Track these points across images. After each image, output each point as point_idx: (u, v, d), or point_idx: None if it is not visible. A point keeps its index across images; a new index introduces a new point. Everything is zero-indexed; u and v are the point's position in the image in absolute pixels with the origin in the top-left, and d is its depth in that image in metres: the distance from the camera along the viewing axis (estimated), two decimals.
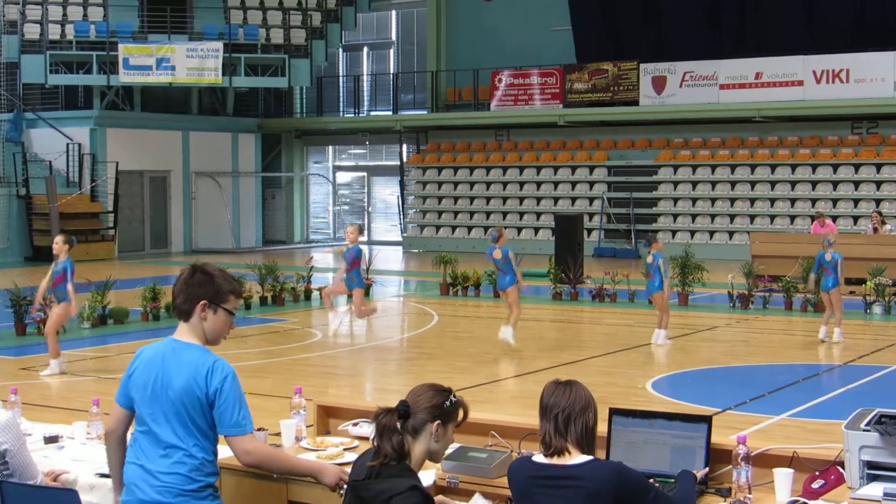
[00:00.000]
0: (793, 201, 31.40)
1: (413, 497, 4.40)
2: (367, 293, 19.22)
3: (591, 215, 33.07)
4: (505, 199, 35.63)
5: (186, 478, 4.68)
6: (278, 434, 6.11)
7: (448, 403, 4.64)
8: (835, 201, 30.62)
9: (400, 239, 37.65)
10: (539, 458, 4.53)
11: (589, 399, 4.55)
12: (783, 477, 4.96)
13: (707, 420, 5.34)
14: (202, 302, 4.80)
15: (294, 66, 35.80)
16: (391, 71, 40.47)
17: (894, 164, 30.44)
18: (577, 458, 4.43)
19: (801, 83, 30.96)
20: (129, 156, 33.95)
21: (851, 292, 20.75)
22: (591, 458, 4.44)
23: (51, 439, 6.40)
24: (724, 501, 4.98)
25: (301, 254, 32.95)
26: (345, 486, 4.85)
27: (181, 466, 4.68)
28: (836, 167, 31.21)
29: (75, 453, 6.26)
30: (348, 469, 4.82)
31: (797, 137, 32.39)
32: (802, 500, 4.82)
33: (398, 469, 4.49)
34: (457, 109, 37.74)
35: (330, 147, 41.83)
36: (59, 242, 13.74)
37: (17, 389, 6.52)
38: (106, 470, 5.90)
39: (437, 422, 4.60)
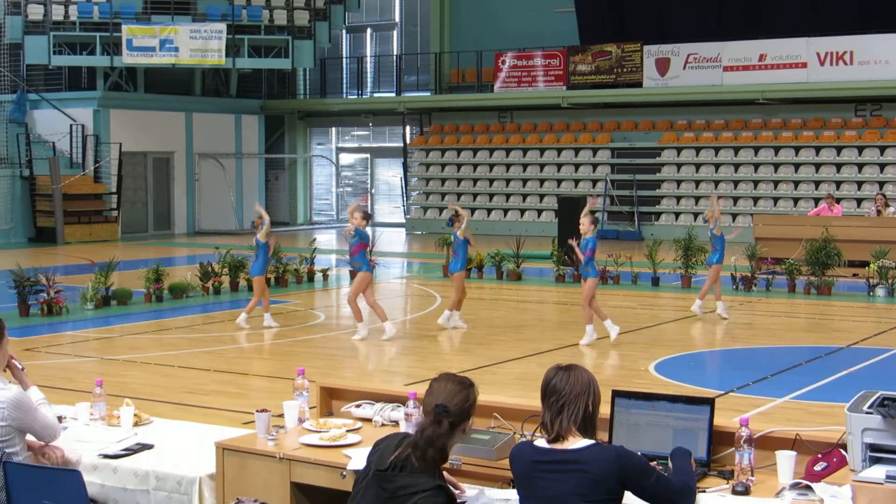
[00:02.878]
0: (796, 184, 31.36)
1: (438, 497, 4.39)
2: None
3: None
4: (508, 181, 35.60)
5: None
6: (281, 415, 6.12)
7: (474, 397, 4.64)
8: (838, 184, 30.57)
9: (403, 221, 37.64)
10: (541, 442, 4.54)
11: (588, 383, 4.55)
12: (786, 459, 4.97)
13: (710, 402, 5.35)
14: None
15: (297, 47, 35.75)
16: (394, 52, 40.40)
17: None
18: (577, 442, 4.44)
19: (804, 65, 30.90)
20: (132, 137, 33.95)
21: (855, 275, 20.75)
22: (592, 442, 4.45)
23: None
24: (727, 483, 4.99)
25: (304, 235, 32.96)
26: (347, 470, 4.85)
27: None
28: (839, 149, 31.16)
29: (78, 434, 6.28)
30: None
31: (801, 120, 32.33)
32: (805, 482, 4.83)
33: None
34: (460, 91, 37.67)
35: (333, 129, 41.80)
36: (349, 209, 14.78)
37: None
38: (109, 451, 5.93)
39: (471, 419, 4.61)
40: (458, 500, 4.74)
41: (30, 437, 5.71)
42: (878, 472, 4.67)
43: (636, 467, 4.41)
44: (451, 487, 4.71)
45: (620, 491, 4.41)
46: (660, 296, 19.94)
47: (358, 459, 5.21)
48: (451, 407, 4.52)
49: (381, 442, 4.66)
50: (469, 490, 4.95)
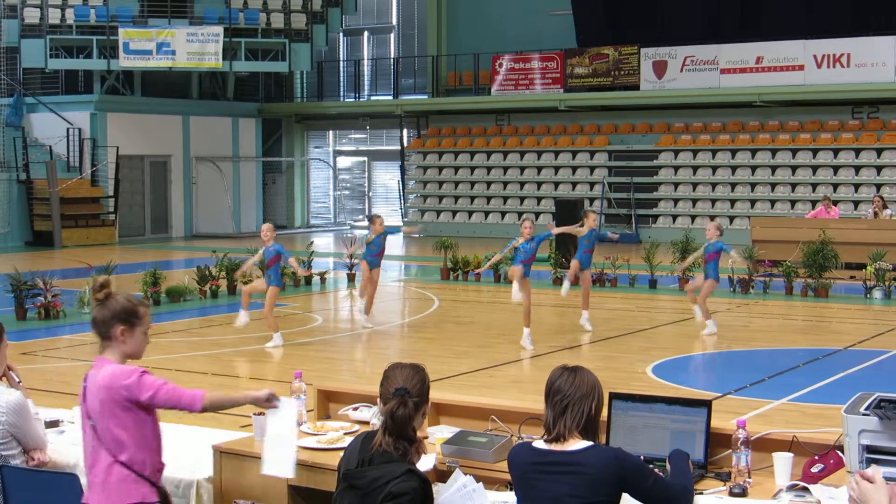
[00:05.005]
0: (793, 186, 31.38)
1: (410, 480, 4.41)
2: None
3: (591, 200, 33.03)
4: (505, 184, 35.61)
5: None
6: None
7: (428, 380, 4.80)
8: (835, 186, 30.60)
9: (401, 224, 37.63)
10: (539, 443, 4.54)
11: (592, 386, 4.55)
12: (783, 461, 4.97)
13: (707, 404, 5.35)
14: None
15: (294, 50, 35.76)
16: (392, 55, 40.42)
17: (895, 149, 30.41)
18: (576, 444, 4.44)
19: (801, 68, 30.93)
20: (129, 140, 33.94)
21: (852, 277, 20.76)
22: (590, 444, 4.45)
23: (52, 423, 6.41)
24: (724, 485, 4.99)
25: (302, 238, 32.96)
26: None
27: None
28: (836, 152, 31.18)
29: (76, 437, 6.27)
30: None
31: (798, 122, 32.35)
32: (802, 483, 4.83)
33: (391, 455, 4.51)
34: (457, 94, 37.69)
35: (330, 132, 41.81)
36: (267, 230, 14.61)
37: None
38: None
39: (429, 402, 4.73)
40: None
41: None
42: None
43: (634, 469, 4.41)
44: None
45: (618, 493, 4.41)
46: (657, 298, 19.95)
47: None
48: (411, 389, 4.64)
49: (351, 445, 4.76)
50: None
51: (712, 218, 28.13)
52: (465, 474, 4.83)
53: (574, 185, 34.40)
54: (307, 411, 6.26)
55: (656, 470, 4.67)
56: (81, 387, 4.99)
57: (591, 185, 34.10)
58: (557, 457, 4.43)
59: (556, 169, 35.00)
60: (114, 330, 5.03)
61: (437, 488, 4.79)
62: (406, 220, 36.98)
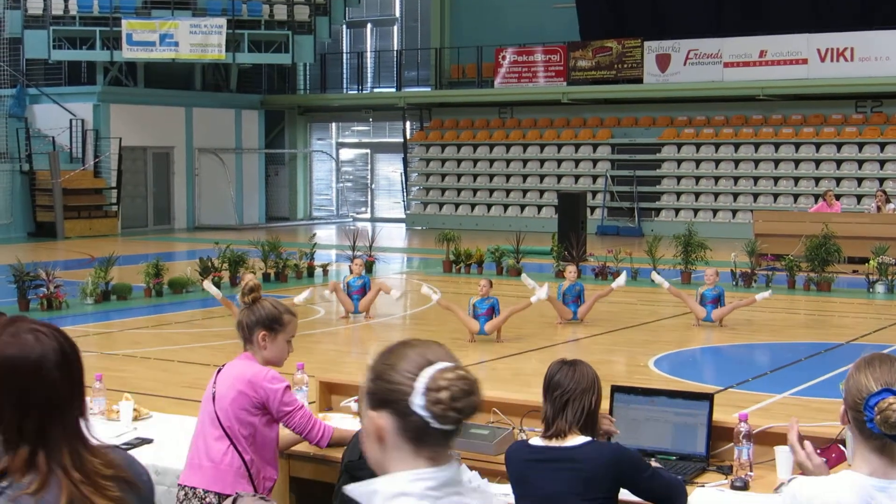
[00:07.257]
0: (796, 180, 31.36)
1: None
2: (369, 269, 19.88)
3: (594, 193, 33.03)
4: (508, 177, 35.60)
5: None
6: None
7: None
8: (838, 180, 30.57)
9: (403, 216, 37.65)
10: (536, 441, 4.51)
11: (592, 380, 4.52)
12: (784, 455, 4.97)
13: (709, 398, 5.36)
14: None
15: (298, 42, 35.73)
16: (395, 48, 40.39)
17: None
18: (574, 439, 4.42)
19: (805, 61, 30.89)
20: (132, 132, 33.93)
21: (855, 271, 20.75)
22: (588, 439, 4.42)
23: None
24: (726, 479, 4.99)
25: (304, 230, 32.95)
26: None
27: None
28: (840, 146, 31.15)
29: None
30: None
31: (801, 116, 32.32)
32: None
33: None
34: (460, 86, 37.67)
35: (333, 124, 41.79)
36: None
37: None
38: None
39: None
40: None
41: None
42: None
43: (631, 462, 4.39)
44: None
45: (616, 488, 4.39)
46: (659, 292, 19.84)
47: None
48: None
49: (355, 437, 4.76)
50: None
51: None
52: (469, 469, 4.83)
53: (577, 178, 34.38)
54: (309, 403, 6.26)
55: (656, 464, 4.67)
56: (214, 372, 5.20)
57: (594, 178, 34.08)
58: (555, 453, 4.41)
59: (559, 162, 34.99)
60: (255, 335, 5.12)
61: None
62: (408, 212, 36.98)
